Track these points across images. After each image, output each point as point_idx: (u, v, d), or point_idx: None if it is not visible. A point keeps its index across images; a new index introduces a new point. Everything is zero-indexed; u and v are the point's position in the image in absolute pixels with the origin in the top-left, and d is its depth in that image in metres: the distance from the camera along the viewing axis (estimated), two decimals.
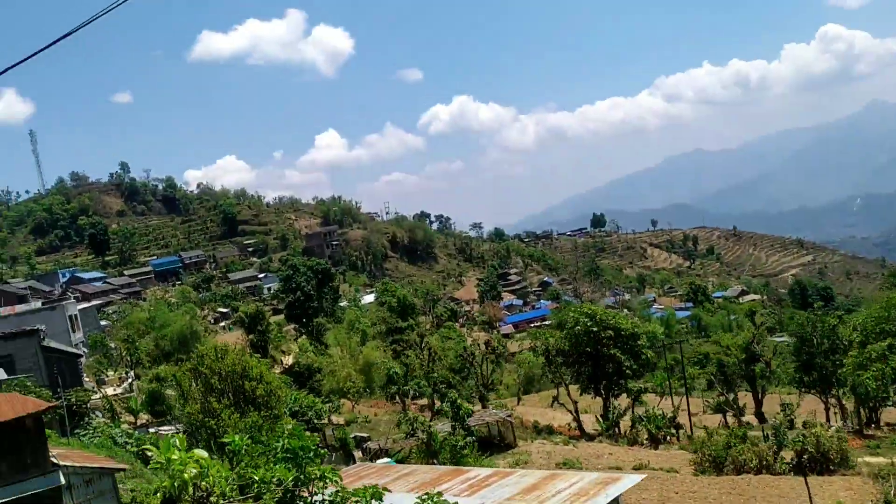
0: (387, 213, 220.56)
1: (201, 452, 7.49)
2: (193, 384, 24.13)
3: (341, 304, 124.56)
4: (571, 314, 55.18)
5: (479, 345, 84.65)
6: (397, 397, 44.69)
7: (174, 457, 7.06)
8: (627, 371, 50.52)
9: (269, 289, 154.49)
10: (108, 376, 66.31)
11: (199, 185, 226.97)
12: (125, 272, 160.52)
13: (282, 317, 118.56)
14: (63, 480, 21.43)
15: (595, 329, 50.66)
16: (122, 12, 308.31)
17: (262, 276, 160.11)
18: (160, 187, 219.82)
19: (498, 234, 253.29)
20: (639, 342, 52.59)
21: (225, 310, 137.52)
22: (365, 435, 46.93)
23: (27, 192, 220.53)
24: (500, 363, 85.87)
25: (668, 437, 44.18)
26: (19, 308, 66.86)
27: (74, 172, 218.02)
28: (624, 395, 52.42)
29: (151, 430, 43.71)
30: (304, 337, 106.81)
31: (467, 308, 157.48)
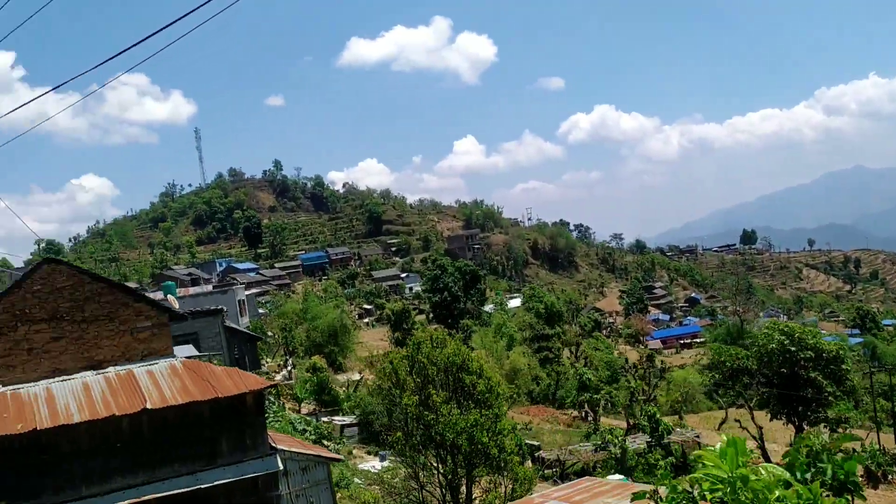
0: (529, 219, 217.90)
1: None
2: (409, 374, 22.26)
3: (485, 308, 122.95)
4: (765, 330, 50.22)
5: (626, 358, 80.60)
6: (586, 406, 42.01)
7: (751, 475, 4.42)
8: (829, 398, 45.27)
9: (410, 288, 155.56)
10: (266, 363, 67.47)
11: (344, 185, 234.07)
12: (276, 265, 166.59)
13: (423, 316, 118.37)
14: (280, 466, 20.19)
15: (793, 349, 45.73)
16: (277, 21, 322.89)
17: (404, 275, 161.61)
18: (309, 185, 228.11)
19: (639, 246, 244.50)
20: (843, 366, 47.14)
21: (369, 306, 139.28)
22: (535, 443, 44.29)
23: (190, 185, 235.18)
24: (657, 378, 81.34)
25: (891, 477, 38.74)
26: (193, 290, 69.57)
27: (232, 168, 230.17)
28: (822, 424, 46.90)
29: (324, 418, 43.15)
30: (449, 338, 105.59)
31: (611, 320, 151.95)
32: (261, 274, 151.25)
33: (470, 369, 22.66)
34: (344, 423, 41.89)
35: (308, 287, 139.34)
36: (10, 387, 19.66)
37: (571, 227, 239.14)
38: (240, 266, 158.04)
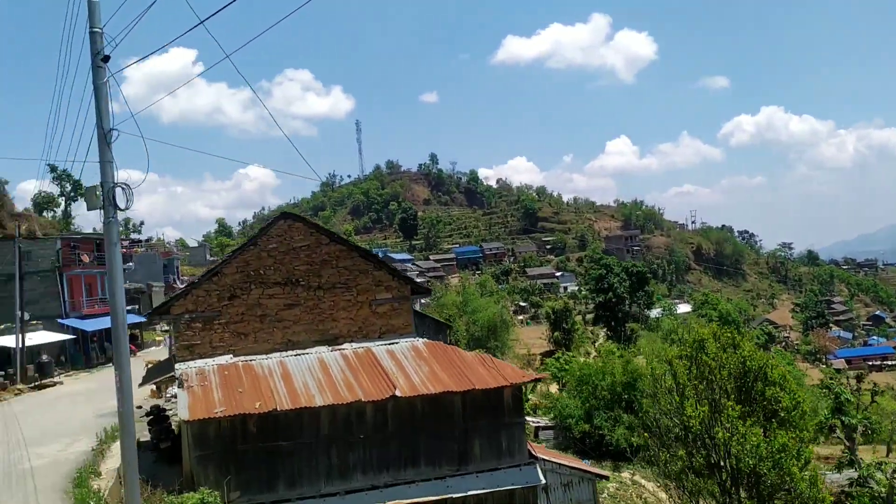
0: (692, 222, 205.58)
1: None
2: (691, 379, 17.78)
3: (650, 312, 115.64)
4: None
5: (847, 377, 71.22)
6: (837, 431, 36.00)
7: None
8: None
9: (565, 287, 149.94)
10: None
11: (498, 181, 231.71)
12: (430, 257, 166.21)
13: (580, 317, 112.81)
14: (542, 479, 16.43)
15: None
16: (435, 19, 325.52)
17: (558, 274, 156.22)
18: (464, 180, 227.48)
19: (811, 257, 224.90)
20: None
21: (523, 304, 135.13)
22: None
23: (349, 176, 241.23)
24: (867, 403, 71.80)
25: None
26: None
27: (389, 161, 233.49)
28: None
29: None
30: (609, 341, 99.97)
31: (785, 334, 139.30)
32: (416, 265, 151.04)
33: (770, 378, 17.90)
34: (539, 424, 38.01)
35: (464, 280, 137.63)
36: (242, 357, 17.15)
37: (735, 234, 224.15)
38: (395, 256, 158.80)
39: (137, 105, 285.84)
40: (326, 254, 17.84)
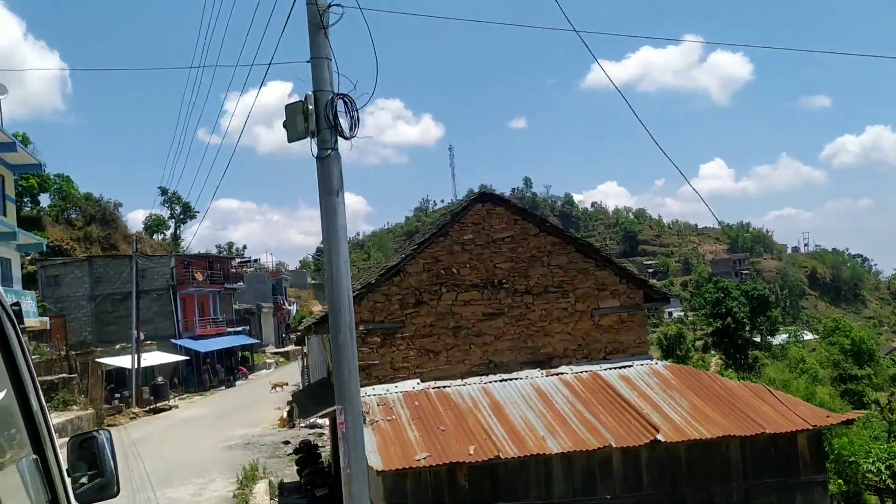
0: (805, 244, 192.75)
1: None
2: None
3: (773, 339, 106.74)
4: None
5: None
6: None
7: None
8: None
9: (669, 313, 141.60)
10: None
11: (593, 205, 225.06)
12: None
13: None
14: None
15: None
16: (523, 46, 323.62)
17: None
18: (558, 204, 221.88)
19: None
20: None
21: None
22: None
23: (442, 200, 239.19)
24: None
25: None
26: None
27: (483, 185, 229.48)
28: None
29: None
30: (730, 369, 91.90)
31: None
32: None
33: None
34: None
35: None
36: (433, 382, 12.96)
37: (846, 257, 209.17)
38: None
39: (238, 136, 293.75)
40: (535, 247, 13.55)
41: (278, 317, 68.63)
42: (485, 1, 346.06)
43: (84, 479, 2.57)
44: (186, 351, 46.66)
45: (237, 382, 49.80)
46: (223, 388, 47.81)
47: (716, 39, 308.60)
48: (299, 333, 25.58)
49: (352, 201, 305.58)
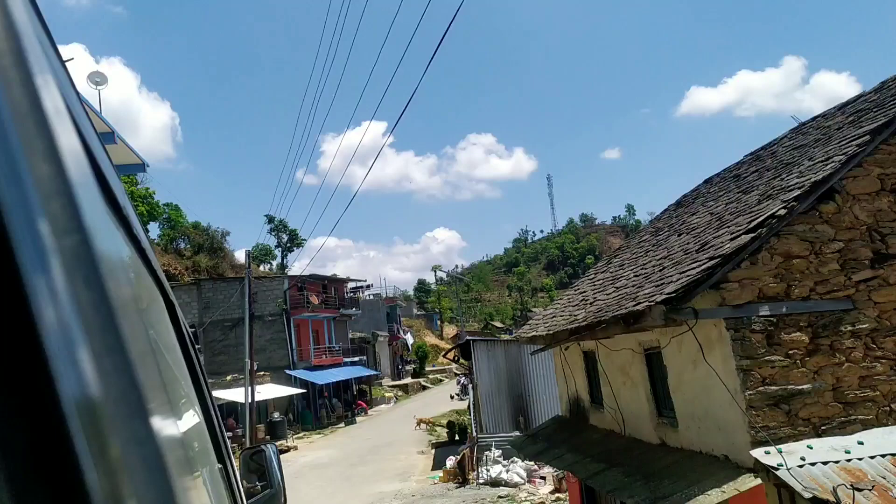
0: None
1: None
2: None
3: None
4: None
5: None
6: None
7: None
8: None
9: None
10: None
11: None
12: None
13: None
14: None
15: None
16: (615, 76, 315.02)
17: None
18: None
19: None
20: None
21: None
22: None
23: (541, 231, 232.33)
24: None
25: None
26: None
27: (583, 214, 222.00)
28: None
29: None
30: None
31: None
32: None
33: None
34: None
35: None
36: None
37: None
38: None
39: (335, 176, 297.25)
40: None
41: (393, 347, 62.70)
42: (569, 33, 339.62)
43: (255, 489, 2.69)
44: (302, 383, 41.01)
45: (357, 418, 43.64)
46: (342, 424, 41.76)
47: (820, 59, 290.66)
48: (528, 342, 18.94)
49: (446, 236, 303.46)
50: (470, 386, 52.51)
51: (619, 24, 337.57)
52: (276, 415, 34.98)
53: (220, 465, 2.10)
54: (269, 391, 36.24)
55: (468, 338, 20.53)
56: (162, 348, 1.43)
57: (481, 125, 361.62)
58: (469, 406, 35.27)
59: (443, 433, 33.59)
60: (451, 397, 47.83)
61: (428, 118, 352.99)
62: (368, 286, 62.34)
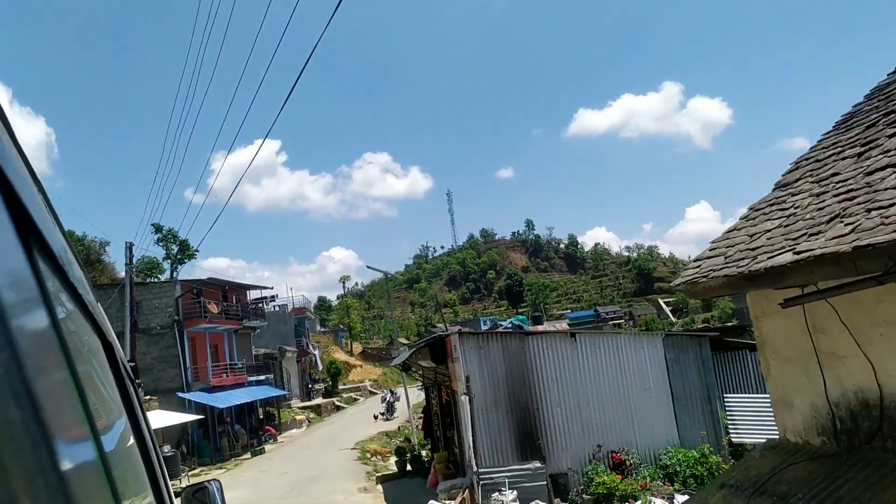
0: None
1: None
2: None
3: None
4: None
5: None
6: None
7: None
8: None
9: None
10: None
11: (596, 245, 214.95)
12: (543, 322, 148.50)
13: None
14: None
15: None
16: (505, 97, 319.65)
17: None
18: (562, 245, 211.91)
19: None
20: None
21: None
22: None
23: (441, 247, 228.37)
24: None
25: None
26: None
27: (484, 229, 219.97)
28: None
29: None
30: None
31: None
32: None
33: None
34: None
35: None
36: None
37: None
38: (503, 324, 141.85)
39: (224, 195, 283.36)
40: None
41: (302, 364, 55.44)
42: (464, 53, 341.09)
43: None
44: (199, 407, 33.69)
45: (265, 447, 36.49)
46: (248, 455, 34.61)
47: (696, 85, 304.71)
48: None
49: (343, 255, 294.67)
50: (396, 404, 46.32)
51: (509, 46, 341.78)
52: (167, 448, 27.71)
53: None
54: (157, 419, 28.68)
55: (457, 329, 14.77)
56: (95, 383, 1.46)
57: (377, 144, 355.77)
58: (413, 427, 29.18)
59: (381, 463, 27.37)
60: (375, 418, 41.45)
61: (323, 137, 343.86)
62: (273, 297, 54.97)
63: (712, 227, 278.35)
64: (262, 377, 43.33)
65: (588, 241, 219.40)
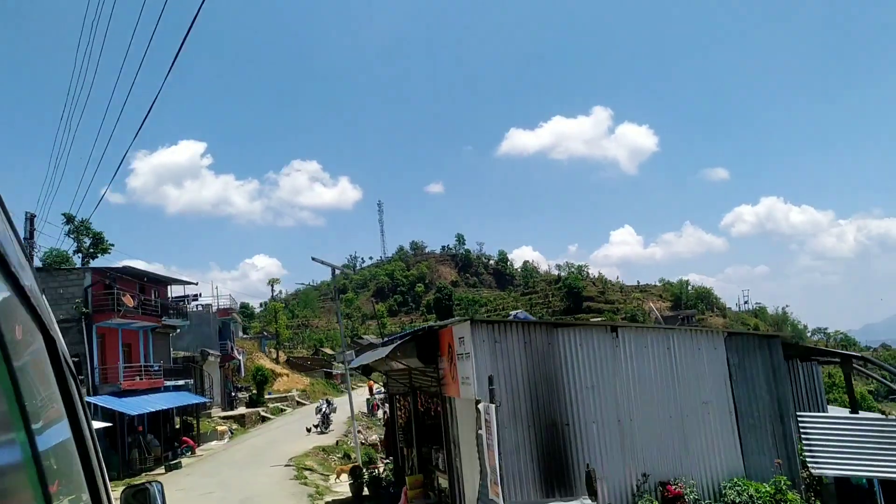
0: (745, 301, 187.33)
1: None
2: None
3: None
4: None
5: None
6: None
7: None
8: None
9: None
10: None
11: (524, 264, 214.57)
12: None
13: None
14: None
15: None
16: (441, 115, 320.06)
17: None
18: (492, 262, 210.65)
19: (849, 342, 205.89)
20: None
21: None
22: None
23: (370, 258, 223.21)
24: None
25: None
26: None
27: (414, 242, 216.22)
28: None
29: None
30: None
31: None
32: None
33: None
34: None
35: None
36: None
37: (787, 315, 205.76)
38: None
39: (146, 197, 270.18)
40: None
41: (226, 369, 50.39)
42: (397, 67, 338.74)
43: None
44: (106, 414, 28.91)
45: (182, 460, 31.79)
46: (161, 470, 29.89)
47: (624, 111, 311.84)
48: None
49: (266, 263, 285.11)
50: (331, 415, 42.12)
51: (443, 60, 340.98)
52: None
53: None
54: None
55: (464, 318, 11.28)
56: (33, 378, 1.43)
57: (307, 152, 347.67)
58: (357, 441, 25.40)
59: (321, 482, 23.49)
60: (308, 430, 37.23)
61: (251, 142, 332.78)
62: (196, 296, 49.84)
63: (635, 251, 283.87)
64: (181, 382, 38.51)
65: (516, 259, 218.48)
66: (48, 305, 1.84)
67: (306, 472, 25.52)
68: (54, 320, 1.79)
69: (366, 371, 18.93)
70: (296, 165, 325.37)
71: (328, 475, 26.10)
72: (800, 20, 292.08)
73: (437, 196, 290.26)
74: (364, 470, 18.91)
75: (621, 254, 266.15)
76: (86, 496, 1.85)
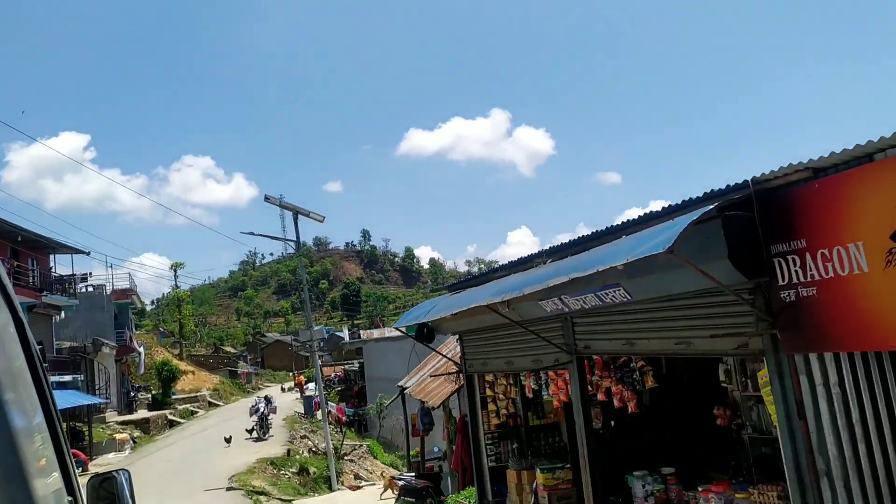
0: None
1: None
2: None
3: None
4: None
5: None
6: None
7: None
8: None
9: None
10: None
11: (430, 261, 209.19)
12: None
13: None
14: None
15: None
16: (339, 112, 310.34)
17: None
18: (398, 259, 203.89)
19: None
20: None
21: None
22: None
23: (271, 254, 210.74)
24: None
25: None
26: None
27: (317, 237, 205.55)
28: None
29: None
30: None
31: None
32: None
33: None
34: None
35: None
36: None
37: None
38: (340, 334, 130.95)
39: (22, 191, 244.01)
40: None
41: (123, 364, 40.80)
42: (293, 62, 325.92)
43: None
44: None
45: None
46: None
47: (522, 114, 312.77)
48: None
49: (155, 262, 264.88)
50: (272, 417, 33.99)
51: (339, 56, 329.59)
52: None
53: (70, 498, 1.95)
54: None
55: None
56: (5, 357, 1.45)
57: (199, 147, 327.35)
58: (331, 451, 17.90)
59: None
60: (249, 432, 29.07)
61: (138, 134, 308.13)
62: (86, 275, 39.94)
63: (531, 252, 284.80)
64: (68, 377, 29.30)
65: (420, 257, 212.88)
66: (11, 285, 1.75)
67: (261, 498, 17.75)
68: (19, 302, 1.69)
69: (426, 337, 11.04)
70: (187, 161, 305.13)
71: (290, 501, 18.43)
72: (691, 29, 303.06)
73: (336, 195, 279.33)
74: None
75: (518, 254, 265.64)
76: (58, 474, 1.85)
